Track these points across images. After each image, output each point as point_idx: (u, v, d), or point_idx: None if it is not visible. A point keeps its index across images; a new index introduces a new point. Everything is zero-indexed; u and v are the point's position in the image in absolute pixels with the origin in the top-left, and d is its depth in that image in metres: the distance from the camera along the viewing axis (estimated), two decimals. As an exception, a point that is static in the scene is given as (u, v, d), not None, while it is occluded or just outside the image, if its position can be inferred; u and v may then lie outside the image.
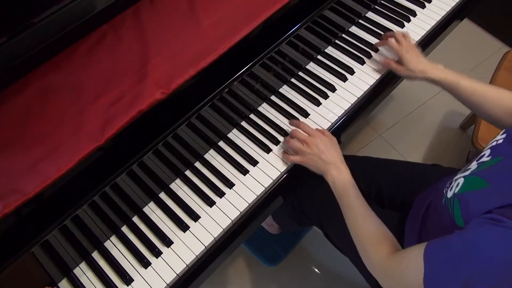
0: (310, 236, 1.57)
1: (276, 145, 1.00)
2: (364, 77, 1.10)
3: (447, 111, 1.91)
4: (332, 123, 1.03)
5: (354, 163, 1.09)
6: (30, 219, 0.72)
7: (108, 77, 0.80)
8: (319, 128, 1.00)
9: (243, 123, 1.03)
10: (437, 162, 1.11)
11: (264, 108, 1.05)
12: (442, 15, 1.22)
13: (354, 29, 1.20)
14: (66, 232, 0.79)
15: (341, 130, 1.05)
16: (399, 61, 1.04)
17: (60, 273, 0.84)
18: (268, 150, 0.99)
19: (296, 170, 0.98)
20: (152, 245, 0.87)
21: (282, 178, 0.97)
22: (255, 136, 1.01)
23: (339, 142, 1.03)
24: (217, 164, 0.97)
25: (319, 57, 1.14)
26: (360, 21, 1.21)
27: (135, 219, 0.91)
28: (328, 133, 0.97)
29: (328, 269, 1.52)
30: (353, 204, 0.85)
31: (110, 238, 0.89)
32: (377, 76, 1.10)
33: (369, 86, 1.09)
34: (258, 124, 1.02)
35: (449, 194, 0.74)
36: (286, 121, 1.04)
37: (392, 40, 1.07)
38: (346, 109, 1.05)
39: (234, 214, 0.91)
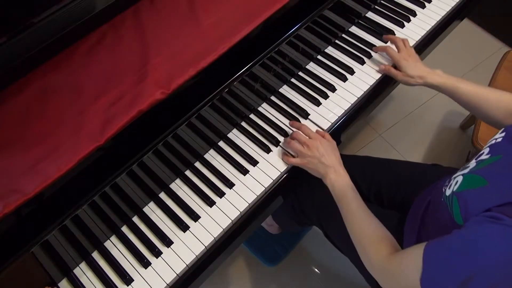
0: (310, 236, 1.57)
1: (276, 145, 1.00)
2: (364, 77, 1.10)
3: (447, 111, 1.91)
4: (332, 123, 1.03)
5: (354, 163, 1.09)
6: (30, 219, 0.72)
7: (108, 77, 0.80)
8: (320, 131, 1.00)
9: (243, 123, 1.03)
10: (437, 162, 1.11)
11: (264, 108, 1.05)
12: (442, 15, 1.22)
13: (354, 29, 1.20)
14: (66, 232, 0.79)
15: (341, 130, 1.05)
16: (398, 67, 1.05)
17: (60, 273, 0.84)
18: (268, 150, 0.99)
19: (296, 170, 0.98)
20: (152, 245, 0.87)
21: (282, 178, 0.97)
22: (255, 136, 1.01)
23: (339, 142, 1.03)
24: (217, 164, 0.97)
25: (319, 57, 1.14)
26: (360, 21, 1.21)
27: (135, 219, 0.91)
28: (329, 136, 0.97)
29: (328, 269, 1.52)
30: (352, 206, 0.85)
31: (110, 238, 0.89)
32: (377, 76, 1.10)
33: (369, 86, 1.09)
34: (258, 124, 1.02)
35: (448, 192, 0.74)
36: (286, 121, 1.04)
37: (390, 47, 1.08)
38: (346, 109, 1.05)
39: (234, 214, 0.91)
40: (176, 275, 0.85)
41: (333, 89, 1.08)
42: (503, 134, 0.74)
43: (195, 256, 0.86)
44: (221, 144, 1.00)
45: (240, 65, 0.89)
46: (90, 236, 0.85)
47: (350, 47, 1.15)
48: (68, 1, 0.76)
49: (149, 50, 0.83)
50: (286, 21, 0.95)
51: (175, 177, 0.95)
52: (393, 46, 1.09)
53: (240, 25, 0.87)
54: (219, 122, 0.96)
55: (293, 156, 0.97)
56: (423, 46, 1.20)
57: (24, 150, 0.72)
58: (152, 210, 0.92)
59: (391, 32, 1.18)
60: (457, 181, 0.73)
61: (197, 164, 0.97)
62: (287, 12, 0.94)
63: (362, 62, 1.13)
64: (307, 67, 1.12)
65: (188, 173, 0.96)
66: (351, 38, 1.17)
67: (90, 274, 0.85)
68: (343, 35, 1.18)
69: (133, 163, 0.80)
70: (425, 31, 1.19)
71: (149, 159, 0.84)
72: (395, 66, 1.07)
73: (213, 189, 0.94)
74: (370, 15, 1.23)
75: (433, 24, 1.20)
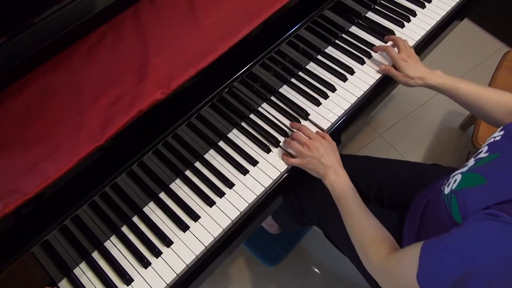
0: (310, 236, 1.57)
1: (276, 146, 1.00)
2: (364, 77, 1.10)
3: (447, 111, 1.91)
4: (332, 123, 1.03)
5: (354, 163, 1.09)
6: (30, 219, 0.72)
7: (108, 77, 0.80)
8: (320, 131, 1.00)
9: (243, 123, 1.03)
10: (437, 162, 1.11)
11: (264, 108, 1.05)
12: (442, 15, 1.22)
13: (354, 29, 1.20)
14: (66, 232, 0.79)
15: (341, 130, 1.05)
16: (397, 68, 1.06)
17: (60, 273, 0.84)
18: (268, 150, 0.99)
19: (296, 170, 0.98)
20: (152, 245, 0.87)
21: (282, 178, 0.97)
22: (255, 136, 1.01)
23: (339, 142, 1.03)
24: (217, 164, 0.97)
25: (319, 57, 1.14)
26: (360, 21, 1.21)
27: (135, 219, 0.91)
28: (329, 137, 0.97)
29: (328, 269, 1.52)
30: (352, 207, 0.85)
31: (110, 238, 0.89)
32: (377, 76, 1.10)
33: (369, 86, 1.09)
34: (258, 124, 1.02)
35: (447, 190, 0.74)
36: (286, 121, 1.04)
37: (391, 47, 1.08)
38: (346, 109, 1.05)
39: (234, 214, 0.91)
40: (176, 275, 0.85)
41: (333, 89, 1.08)
42: (501, 133, 0.74)
43: (195, 256, 0.86)
44: (221, 144, 1.00)
45: (240, 65, 0.89)
46: (90, 236, 0.85)
47: (350, 47, 1.15)
48: (68, 1, 0.76)
49: (149, 50, 0.83)
50: (286, 21, 0.95)
51: (175, 177, 0.95)
52: (399, 41, 1.09)
53: (240, 25, 0.87)
54: (219, 122, 0.96)
55: (293, 157, 0.97)
56: (423, 46, 1.20)
57: (24, 150, 0.72)
58: (152, 210, 0.92)
59: (391, 32, 1.19)
60: (455, 180, 0.73)
61: (197, 164, 0.97)
62: (287, 12, 0.94)
63: (362, 62, 1.13)
64: (307, 67, 1.12)
65: (188, 173, 0.96)
66: (351, 38, 1.17)
67: (90, 274, 0.85)
68: (343, 35, 1.18)
69: (133, 163, 0.80)
70: (425, 31, 1.19)
71: (149, 159, 0.84)
72: (396, 67, 1.07)
73: (213, 189, 0.94)
74: (370, 15, 1.23)
75: (433, 24, 1.20)
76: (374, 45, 1.15)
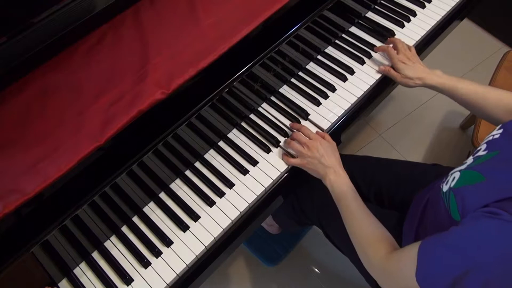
0: (310, 236, 1.57)
1: (276, 146, 1.00)
2: (364, 77, 1.10)
3: (447, 111, 1.91)
4: (332, 123, 1.03)
5: (354, 163, 1.09)
6: (30, 219, 0.72)
7: (108, 77, 0.80)
8: (320, 132, 1.00)
9: (243, 123, 1.03)
10: (437, 162, 1.11)
11: (264, 108, 1.05)
12: (442, 15, 1.22)
13: (354, 29, 1.20)
14: (66, 232, 0.79)
15: (341, 130, 1.05)
16: (396, 69, 1.06)
17: (60, 273, 0.84)
18: (268, 150, 0.99)
19: (296, 170, 0.98)
20: (152, 245, 0.87)
21: (282, 178, 0.97)
22: (255, 136, 1.01)
23: (339, 142, 1.03)
24: (217, 164, 0.97)
25: (319, 57, 1.14)
26: (360, 21, 1.21)
27: (135, 219, 0.91)
28: (329, 137, 0.97)
29: (328, 269, 1.52)
30: (351, 207, 0.85)
31: (110, 238, 0.89)
32: (377, 76, 1.10)
33: (369, 86, 1.09)
34: (258, 124, 1.02)
35: (445, 188, 0.74)
36: (286, 121, 1.04)
37: (391, 48, 1.08)
38: (346, 109, 1.05)
39: (234, 214, 0.91)
40: (176, 275, 0.85)
41: (333, 89, 1.08)
42: (500, 131, 0.74)
43: (195, 256, 0.86)
44: (221, 144, 1.00)
45: (240, 65, 0.89)
46: (90, 236, 0.85)
47: (350, 47, 1.15)
48: (68, 1, 0.76)
49: (149, 50, 0.83)
50: (286, 21, 0.95)
51: (175, 177, 0.95)
52: (398, 43, 1.09)
53: (240, 25, 0.87)
54: (219, 122, 0.96)
55: (293, 157, 0.97)
56: (423, 46, 1.20)
57: (24, 150, 0.72)
58: (152, 210, 0.92)
59: (391, 32, 1.19)
60: (454, 177, 0.73)
61: (197, 164, 0.97)
62: (287, 12, 0.94)
63: (362, 62, 1.13)
64: (307, 67, 1.12)
65: (188, 173, 0.96)
66: (351, 38, 1.17)
67: (90, 274, 0.85)
68: (343, 35, 1.18)
69: (133, 163, 0.80)
70: (425, 31, 1.19)
71: (149, 159, 0.84)
72: (395, 68, 1.07)
73: (213, 189, 0.94)
74: (370, 15, 1.23)
75: (433, 24, 1.20)
76: (374, 45, 1.15)
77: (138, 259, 0.86)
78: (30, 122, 0.75)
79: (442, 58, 1.84)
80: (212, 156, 0.98)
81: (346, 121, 1.06)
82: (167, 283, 0.84)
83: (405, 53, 1.07)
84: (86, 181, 0.76)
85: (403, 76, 1.04)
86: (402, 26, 1.20)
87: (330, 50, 1.15)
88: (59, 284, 0.84)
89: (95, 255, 0.87)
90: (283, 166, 0.97)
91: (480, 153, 0.74)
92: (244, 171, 0.96)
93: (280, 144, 1.00)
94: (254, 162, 0.97)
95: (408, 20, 1.21)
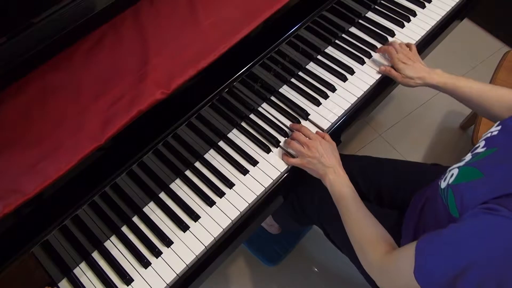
0: (310, 236, 1.57)
1: (276, 146, 1.00)
2: (364, 77, 1.10)
3: (447, 111, 1.91)
4: (332, 123, 1.03)
5: (354, 163, 1.09)
6: (30, 219, 0.72)
7: (108, 77, 0.80)
8: (320, 132, 1.00)
9: (243, 123, 1.03)
10: (437, 162, 1.11)
11: (264, 109, 1.05)
12: (442, 15, 1.22)
13: (354, 29, 1.20)
14: (66, 232, 0.79)
15: (341, 130, 1.05)
16: (396, 69, 1.06)
17: (60, 273, 0.84)
18: (268, 150, 0.99)
19: (296, 170, 0.98)
20: (152, 245, 0.87)
21: (282, 178, 0.97)
22: (255, 136, 1.01)
23: (339, 142, 1.03)
24: (217, 164, 0.97)
25: (319, 57, 1.14)
26: (360, 21, 1.21)
27: (135, 219, 0.91)
28: (329, 137, 0.97)
29: (328, 269, 1.52)
30: (350, 207, 0.85)
31: (110, 238, 0.89)
32: (377, 76, 1.10)
33: (369, 86, 1.09)
34: (258, 124, 1.02)
35: (443, 185, 0.74)
36: (286, 121, 1.04)
37: (392, 48, 1.08)
38: (346, 109, 1.05)
39: (234, 214, 0.91)
40: (176, 275, 0.85)
41: (333, 89, 1.08)
42: (499, 128, 0.74)
43: (195, 256, 0.86)
44: (221, 144, 1.00)
45: (240, 65, 0.89)
46: (90, 236, 0.85)
47: (350, 47, 1.15)
48: (68, 1, 0.76)
49: (149, 50, 0.83)
50: (286, 21, 0.95)
51: (175, 177, 0.95)
52: (396, 45, 1.09)
53: (240, 25, 0.87)
54: (219, 122, 0.96)
55: (293, 157, 0.97)
56: (423, 46, 1.20)
57: (24, 150, 0.72)
58: (152, 210, 0.92)
59: (391, 32, 1.19)
60: (452, 174, 0.73)
61: (197, 164, 0.97)
62: (287, 12, 0.93)
63: (362, 62, 1.13)
64: (307, 67, 1.12)
65: (188, 173, 0.96)
66: (351, 38, 1.17)
67: (90, 274, 0.85)
68: (343, 35, 1.18)
69: (133, 163, 0.80)
70: (425, 31, 1.19)
71: (149, 159, 0.84)
72: (395, 68, 1.07)
73: (213, 189, 0.94)
74: (370, 15, 1.23)
75: (433, 24, 1.20)
76: (374, 45, 1.15)
77: (138, 259, 0.86)
78: (30, 122, 0.75)
79: (442, 58, 1.84)
80: (212, 156, 0.98)
81: (346, 121, 1.06)
82: (167, 283, 0.84)
83: (405, 53, 1.07)
84: (86, 181, 0.76)
85: (403, 76, 1.04)
86: (402, 26, 1.20)
87: (330, 50, 1.15)
88: (59, 284, 0.84)
89: (95, 255, 0.87)
90: (283, 166, 0.97)
91: (479, 150, 0.74)
92: (244, 171, 0.96)
93: (280, 144, 1.00)
94: (254, 162, 0.97)
95: (408, 20, 1.21)
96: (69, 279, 0.85)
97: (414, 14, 1.22)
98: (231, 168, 0.97)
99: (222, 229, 0.89)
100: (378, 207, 1.05)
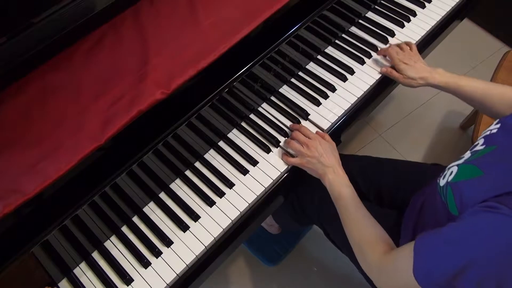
0: (310, 236, 1.57)
1: (276, 146, 1.00)
2: (364, 77, 1.10)
3: (447, 111, 1.91)
4: (332, 123, 1.03)
5: (354, 163, 1.09)
6: (30, 219, 0.72)
7: (108, 77, 0.80)
8: (320, 132, 1.00)
9: (243, 123, 1.03)
10: (437, 162, 1.11)
11: (264, 109, 1.05)
12: (442, 15, 1.22)
13: (354, 29, 1.20)
14: (66, 232, 0.79)
15: (341, 130, 1.05)
16: (397, 70, 1.06)
17: (60, 273, 0.84)
18: (268, 150, 0.99)
19: (296, 170, 0.98)
20: (152, 245, 0.87)
21: (282, 178, 0.97)
22: (255, 136, 1.01)
23: (339, 142, 1.03)
24: (217, 164, 0.97)
25: (319, 57, 1.14)
26: (360, 21, 1.21)
27: (135, 219, 0.91)
28: (328, 137, 0.97)
29: (328, 269, 1.52)
30: (349, 207, 0.85)
31: (110, 238, 0.89)
32: (377, 76, 1.10)
33: (369, 86, 1.09)
34: (258, 124, 1.02)
35: (442, 182, 0.73)
36: (286, 121, 1.04)
37: (392, 49, 1.08)
38: (346, 109, 1.05)
39: (234, 214, 0.91)
40: (176, 275, 0.85)
41: (333, 89, 1.08)
42: (498, 125, 0.74)
43: (195, 256, 0.86)
44: (221, 144, 1.00)
45: (240, 65, 0.89)
46: (90, 236, 0.85)
47: (350, 47, 1.15)
48: (68, 1, 0.76)
49: (149, 50, 0.83)
50: (286, 21, 0.95)
51: (175, 177, 0.95)
52: (395, 48, 1.09)
53: (240, 25, 0.87)
54: (219, 122, 0.96)
55: (293, 156, 0.97)
56: (423, 46, 1.20)
57: (24, 150, 0.72)
58: (152, 210, 0.92)
59: (391, 32, 1.19)
60: (451, 172, 0.73)
61: (197, 164, 0.97)
62: (287, 12, 0.93)
63: (362, 62, 1.13)
64: (307, 67, 1.12)
65: (188, 173, 0.96)
66: (351, 38, 1.17)
67: (90, 274, 0.85)
68: (343, 35, 1.18)
69: (133, 163, 0.80)
70: (425, 31, 1.19)
71: (149, 159, 0.84)
72: (396, 69, 1.07)
73: (213, 189, 0.94)
74: (370, 15, 1.23)
75: (433, 24, 1.20)
76: (374, 45, 1.15)
77: (138, 259, 0.86)
78: (30, 122, 0.75)
79: (442, 58, 1.84)
80: (212, 156, 0.98)
81: (346, 121, 1.06)
82: (167, 283, 0.84)
83: (406, 53, 1.07)
84: (86, 181, 0.76)
85: (405, 77, 1.04)
86: (402, 26, 1.20)
87: (330, 50, 1.15)
88: (59, 284, 0.84)
89: (95, 255, 0.87)
90: (283, 166, 0.97)
91: (478, 147, 0.74)
92: (244, 171, 0.96)
93: (280, 144, 1.00)
94: (254, 162, 0.97)
95: (408, 20, 1.21)
96: (69, 279, 0.85)
97: (414, 14, 1.22)
98: (231, 168, 0.97)
99: (222, 229, 0.89)
100: (378, 207, 1.05)
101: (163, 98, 0.79)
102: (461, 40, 2.04)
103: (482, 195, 0.62)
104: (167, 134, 0.82)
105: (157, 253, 0.87)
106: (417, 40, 1.18)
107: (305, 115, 1.04)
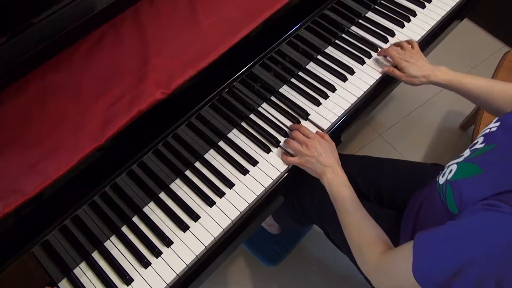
0: (310, 236, 1.57)
1: (276, 146, 1.00)
2: (364, 77, 1.10)
3: (447, 111, 1.91)
4: (332, 123, 1.03)
5: (354, 163, 1.09)
6: (30, 219, 0.72)
7: (108, 77, 0.80)
8: (319, 131, 1.00)
9: (243, 123, 1.03)
10: (437, 162, 1.11)
11: (264, 108, 1.05)
12: (442, 15, 1.22)
13: (354, 29, 1.20)
14: (66, 232, 0.79)
15: (341, 130, 1.05)
16: (400, 69, 1.06)
17: (60, 273, 0.84)
18: (268, 150, 0.99)
19: (296, 170, 0.98)
20: (152, 245, 0.87)
21: (282, 178, 0.97)
22: (255, 136, 1.01)
23: (339, 142, 1.03)
24: (217, 164, 0.97)
25: (319, 57, 1.14)
26: (360, 21, 1.21)
27: (135, 219, 0.91)
28: (328, 137, 0.97)
29: (328, 269, 1.52)
30: (348, 207, 0.85)
31: (110, 238, 0.89)
32: (377, 76, 1.10)
33: (369, 86, 1.09)
34: (258, 124, 1.02)
35: (441, 180, 0.73)
36: (286, 121, 1.04)
37: (392, 49, 1.08)
38: (346, 109, 1.05)
39: (234, 214, 0.91)
40: (176, 275, 0.85)
41: (333, 89, 1.08)
42: (497, 124, 0.74)
43: (195, 256, 0.86)
44: (221, 144, 1.00)
45: (240, 65, 0.89)
46: (90, 236, 0.85)
47: (350, 47, 1.15)
48: (68, 1, 0.76)
49: (149, 50, 0.83)
50: (286, 21, 0.95)
51: (175, 177, 0.95)
52: (395, 47, 1.09)
53: (240, 25, 0.87)
54: (219, 122, 0.96)
55: (292, 156, 0.97)
56: (423, 46, 1.20)
57: (24, 150, 0.72)
58: (152, 210, 0.92)
59: (391, 32, 1.19)
60: (451, 170, 0.73)
61: (197, 164, 0.97)
62: (287, 12, 0.93)
63: (362, 62, 1.13)
64: (307, 67, 1.12)
65: (188, 173, 0.96)
66: (351, 38, 1.17)
67: (90, 274, 0.85)
68: (343, 35, 1.18)
69: (133, 163, 0.80)
70: (425, 31, 1.19)
71: (149, 159, 0.84)
72: (398, 68, 1.07)
73: (213, 189, 0.94)
74: (370, 15, 1.23)
75: (433, 24, 1.20)
76: (374, 45, 1.15)
77: (138, 259, 0.86)
78: (30, 122, 0.75)
79: (442, 58, 1.83)
80: (212, 156, 0.98)
81: (346, 121, 1.06)
82: (167, 283, 0.84)
83: (407, 51, 1.06)
84: (86, 181, 0.76)
85: (407, 75, 1.03)
86: (402, 26, 1.20)
87: (330, 50, 1.15)
88: (59, 284, 0.84)
89: (95, 255, 0.87)
90: (283, 166, 0.97)
91: (477, 145, 0.74)
92: (244, 171, 0.96)
93: (280, 144, 1.00)
94: (254, 162, 0.97)
95: (408, 20, 1.21)
96: (69, 279, 0.85)
97: (414, 14, 1.22)
98: (231, 168, 0.97)
99: (222, 229, 0.89)
100: (378, 207, 1.05)
101: (163, 98, 0.79)
102: (461, 40, 2.05)
103: (482, 193, 0.62)
104: (167, 134, 0.82)
105: (157, 253, 0.87)
106: (417, 40, 1.18)
107: (305, 115, 1.04)
